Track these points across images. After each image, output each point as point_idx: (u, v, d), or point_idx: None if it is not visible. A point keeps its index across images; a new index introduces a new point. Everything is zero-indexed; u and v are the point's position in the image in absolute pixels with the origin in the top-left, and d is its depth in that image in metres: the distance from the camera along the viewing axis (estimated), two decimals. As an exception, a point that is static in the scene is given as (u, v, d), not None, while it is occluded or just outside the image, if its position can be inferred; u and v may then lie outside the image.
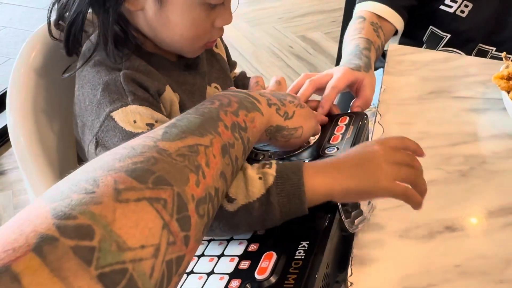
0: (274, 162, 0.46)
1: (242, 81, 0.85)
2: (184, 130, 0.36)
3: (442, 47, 1.01)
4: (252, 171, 0.45)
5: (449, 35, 0.98)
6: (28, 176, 0.61)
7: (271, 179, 0.44)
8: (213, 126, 0.39)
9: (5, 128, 1.79)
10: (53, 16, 0.57)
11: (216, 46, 0.74)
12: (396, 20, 0.93)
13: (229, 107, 0.43)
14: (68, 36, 0.57)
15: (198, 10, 0.55)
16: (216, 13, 0.57)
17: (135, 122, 0.52)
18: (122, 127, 0.52)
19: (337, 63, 1.71)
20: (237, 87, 0.83)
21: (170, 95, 0.58)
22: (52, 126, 0.65)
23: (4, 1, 3.01)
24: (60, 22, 0.57)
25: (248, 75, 0.87)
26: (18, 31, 2.62)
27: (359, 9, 0.96)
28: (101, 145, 0.53)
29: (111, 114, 0.52)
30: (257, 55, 2.37)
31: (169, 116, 0.58)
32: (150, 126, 0.52)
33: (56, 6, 0.57)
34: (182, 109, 0.61)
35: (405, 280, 0.47)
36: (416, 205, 0.47)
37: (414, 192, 0.46)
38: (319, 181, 0.44)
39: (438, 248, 0.50)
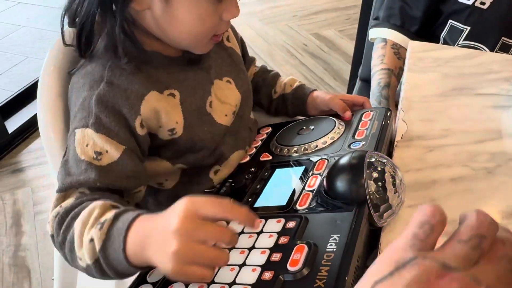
0: (107, 221, 0.47)
1: (262, 77, 0.85)
2: None
3: (463, 40, 1.00)
4: (88, 231, 0.48)
5: (469, 28, 0.98)
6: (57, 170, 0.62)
7: (98, 246, 0.46)
8: None
9: (23, 126, 1.83)
10: (66, 24, 0.59)
11: (228, 39, 0.74)
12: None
13: None
14: (79, 39, 0.58)
15: (205, 5, 0.55)
16: (222, 6, 0.57)
17: (87, 145, 0.55)
18: (74, 147, 0.55)
19: (353, 61, 1.71)
20: (257, 83, 0.84)
21: (153, 101, 0.58)
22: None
23: (22, 0, 3.05)
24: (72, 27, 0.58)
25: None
26: (35, 30, 2.66)
27: (380, 36, 1.08)
28: (66, 154, 0.57)
29: (75, 130, 0.56)
30: (271, 53, 2.37)
31: (155, 120, 0.59)
32: (97, 154, 0.54)
33: (67, 13, 0.58)
34: (183, 105, 0.61)
35: (433, 276, 0.47)
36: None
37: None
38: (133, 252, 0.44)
39: (466, 245, 0.50)
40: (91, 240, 0.47)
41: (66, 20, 0.58)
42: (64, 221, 0.51)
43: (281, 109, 0.83)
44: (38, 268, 1.36)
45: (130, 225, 0.44)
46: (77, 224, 0.49)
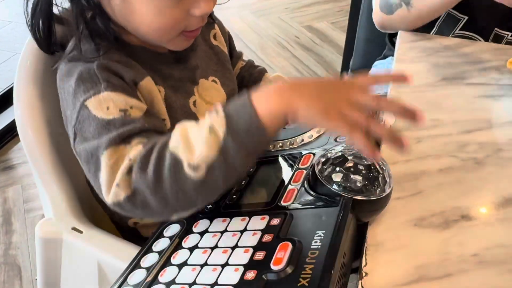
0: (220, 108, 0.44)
1: (248, 71, 0.83)
2: None
3: (459, 30, 0.98)
4: (199, 129, 0.44)
5: (466, 17, 0.96)
6: (37, 169, 0.61)
7: (221, 131, 0.42)
8: None
9: (13, 122, 1.81)
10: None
11: (215, 37, 0.71)
12: None
13: None
14: (33, 30, 0.55)
15: None
16: (189, 0, 0.53)
17: (108, 108, 0.50)
18: (95, 115, 0.50)
19: (345, 53, 1.70)
20: (243, 78, 0.82)
21: (149, 86, 0.56)
22: (60, 119, 0.65)
23: (10, -5, 3.01)
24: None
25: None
26: (24, 26, 2.61)
27: None
28: (78, 136, 0.51)
29: (85, 103, 0.50)
30: (263, 46, 2.35)
31: (150, 106, 0.55)
32: (124, 111, 0.50)
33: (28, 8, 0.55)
34: (168, 103, 0.59)
35: (420, 270, 0.46)
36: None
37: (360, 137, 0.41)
38: (274, 103, 0.43)
39: (454, 237, 0.49)
40: (211, 128, 0.43)
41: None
42: (149, 160, 0.45)
43: None
44: (29, 266, 1.34)
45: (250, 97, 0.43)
46: (174, 143, 0.45)
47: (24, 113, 0.59)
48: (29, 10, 0.54)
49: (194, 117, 0.63)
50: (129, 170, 0.46)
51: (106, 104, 0.50)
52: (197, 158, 0.42)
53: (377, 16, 0.97)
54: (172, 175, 0.43)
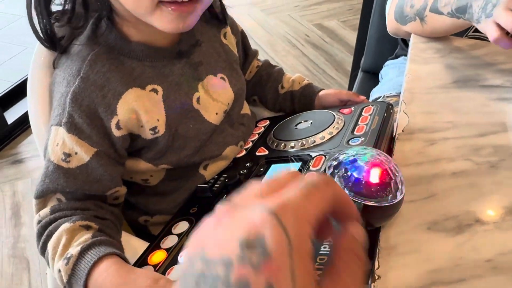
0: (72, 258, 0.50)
1: (266, 71, 0.83)
2: None
3: (472, 32, 0.97)
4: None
5: None
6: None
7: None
8: None
9: (23, 116, 1.82)
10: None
11: (225, 36, 0.71)
12: None
13: None
14: (33, 25, 0.56)
15: None
16: None
17: (57, 145, 0.54)
18: (47, 144, 0.56)
19: (355, 53, 1.68)
20: (261, 78, 0.82)
21: (128, 104, 0.57)
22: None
23: (21, -10, 3.02)
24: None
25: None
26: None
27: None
28: (44, 150, 0.58)
29: (51, 127, 0.56)
30: (273, 44, 2.34)
31: (136, 115, 0.57)
32: (66, 156, 0.54)
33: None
34: (166, 103, 0.59)
35: (434, 274, 0.45)
36: None
37: None
38: None
39: (468, 242, 0.48)
40: (59, 271, 0.50)
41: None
42: (42, 235, 0.54)
43: (287, 106, 0.82)
44: (37, 260, 1.35)
45: (91, 269, 0.48)
46: (50, 246, 0.52)
47: (37, 108, 0.59)
48: (32, 10, 0.56)
49: (196, 114, 0.63)
50: (38, 222, 0.55)
51: (58, 141, 0.55)
52: (54, 273, 0.51)
53: (391, 24, 0.97)
54: (47, 261, 0.53)
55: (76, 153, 0.54)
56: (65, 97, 0.55)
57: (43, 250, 0.54)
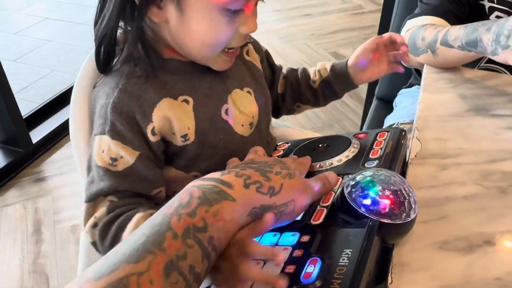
0: None
1: (293, 75, 0.86)
2: (119, 259, 0.36)
3: (484, 63, 1.00)
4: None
5: None
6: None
7: None
8: (157, 243, 0.37)
9: (47, 136, 1.89)
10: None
11: (248, 54, 0.76)
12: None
13: (187, 207, 0.41)
14: (98, 54, 0.62)
15: (218, 15, 0.57)
16: (239, 19, 0.59)
17: (103, 152, 0.59)
18: (93, 153, 0.59)
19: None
20: (292, 85, 0.85)
21: (162, 111, 0.61)
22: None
23: (49, 16, 3.16)
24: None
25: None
26: (61, 45, 2.75)
27: (412, 25, 0.98)
28: (88, 160, 0.61)
29: (94, 136, 0.60)
30: (289, 71, 2.40)
31: (168, 125, 0.62)
32: (113, 160, 0.58)
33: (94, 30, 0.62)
34: (196, 112, 0.64)
35: (444, 291, 0.48)
36: None
37: None
38: None
39: (478, 261, 0.51)
40: None
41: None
42: (109, 230, 0.55)
43: (329, 93, 0.85)
44: (56, 276, 1.39)
45: None
46: (127, 236, 0.53)
47: (78, 128, 0.65)
48: (99, 33, 0.61)
49: (225, 124, 0.67)
50: (94, 225, 0.57)
51: (103, 148, 0.59)
52: None
53: None
54: None
55: (121, 157, 0.58)
56: (106, 108, 0.59)
57: (115, 244, 0.53)
